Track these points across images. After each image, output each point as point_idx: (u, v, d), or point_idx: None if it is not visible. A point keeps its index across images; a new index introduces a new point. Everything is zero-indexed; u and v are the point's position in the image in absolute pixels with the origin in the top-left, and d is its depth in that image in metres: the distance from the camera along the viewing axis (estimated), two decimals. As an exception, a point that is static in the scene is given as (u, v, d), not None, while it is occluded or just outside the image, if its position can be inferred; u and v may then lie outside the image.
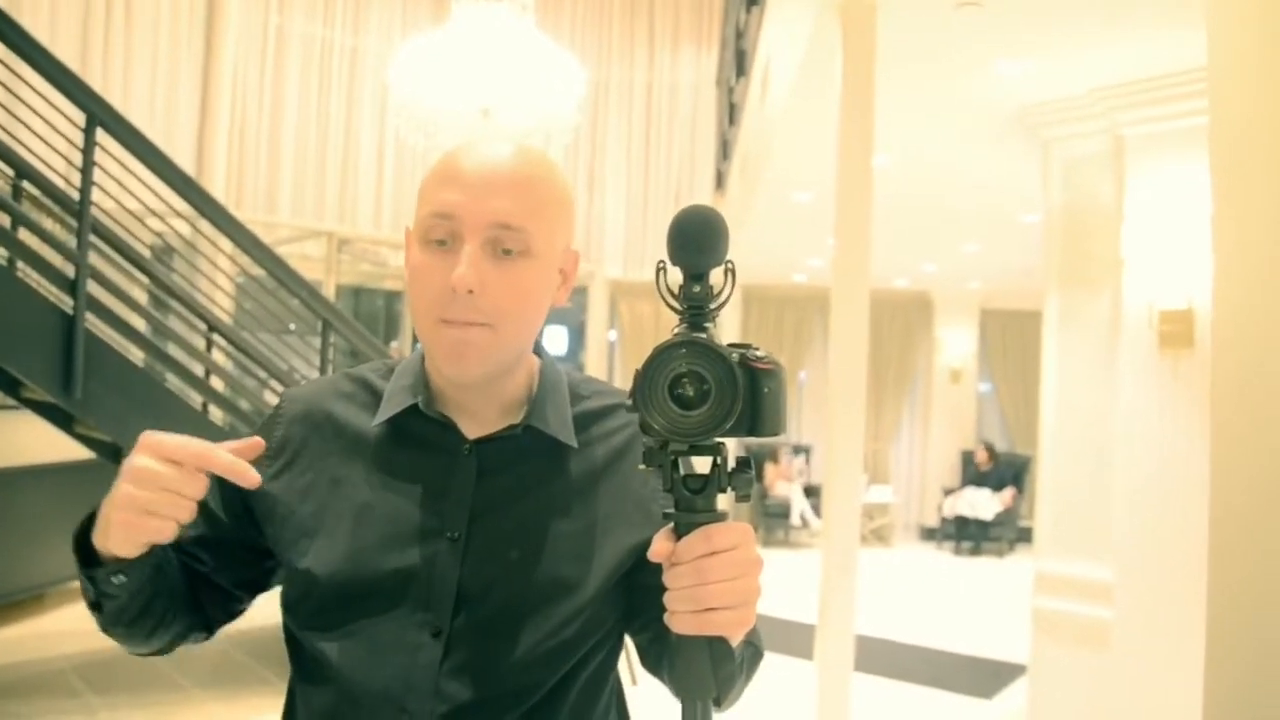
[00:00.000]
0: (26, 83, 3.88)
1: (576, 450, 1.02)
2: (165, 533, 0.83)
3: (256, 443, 0.87)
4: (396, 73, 5.95)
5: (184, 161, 6.50)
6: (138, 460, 0.83)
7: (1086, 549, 3.79)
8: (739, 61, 6.56)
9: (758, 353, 0.80)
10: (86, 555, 0.90)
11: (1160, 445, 3.52)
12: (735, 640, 0.82)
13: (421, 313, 0.94)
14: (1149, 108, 3.57)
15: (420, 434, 0.99)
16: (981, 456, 9.81)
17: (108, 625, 0.96)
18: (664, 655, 0.98)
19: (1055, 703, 3.85)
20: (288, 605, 0.98)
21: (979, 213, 6.30)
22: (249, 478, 0.84)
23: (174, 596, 0.98)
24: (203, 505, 0.93)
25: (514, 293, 0.93)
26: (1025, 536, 9.22)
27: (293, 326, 5.54)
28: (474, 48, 5.68)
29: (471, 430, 0.99)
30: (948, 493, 10.01)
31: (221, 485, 0.96)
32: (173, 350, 4.52)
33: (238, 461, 0.84)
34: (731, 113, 7.27)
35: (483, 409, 1.00)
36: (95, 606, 0.93)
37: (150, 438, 0.83)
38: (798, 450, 10.29)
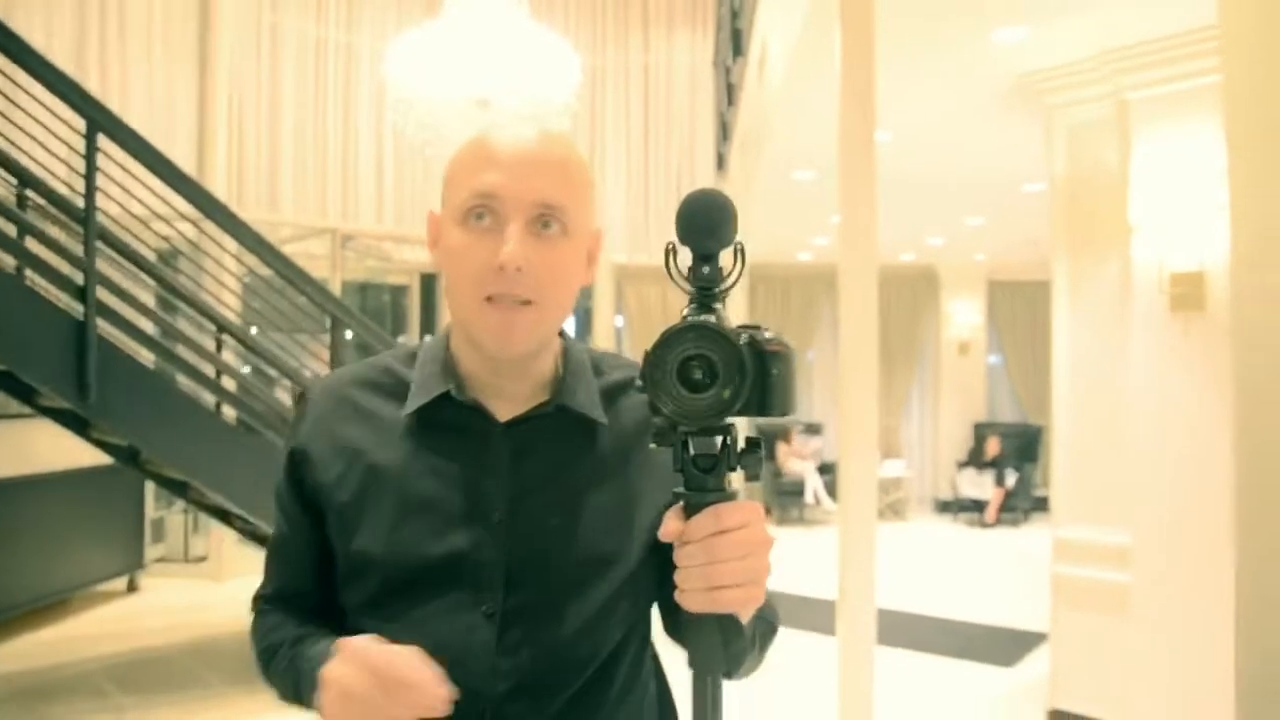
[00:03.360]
0: (25, 90, 3.88)
1: (605, 425, 1.03)
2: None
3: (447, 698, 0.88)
4: (392, 67, 5.94)
5: (184, 163, 6.48)
6: (339, 671, 0.88)
7: (1103, 514, 3.80)
8: (735, 41, 6.53)
9: (767, 334, 0.80)
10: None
11: (1174, 407, 3.52)
12: (746, 617, 0.83)
13: (465, 291, 0.95)
14: (1153, 70, 3.55)
15: (452, 420, 1.00)
16: (993, 447, 9.78)
17: None
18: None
19: (1077, 667, 3.87)
20: (340, 590, 1.01)
21: (982, 184, 6.28)
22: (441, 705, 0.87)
23: None
24: (296, 558, 1.03)
25: (554, 270, 0.95)
26: (1040, 506, 9.23)
27: (303, 327, 5.55)
28: (468, 38, 5.67)
29: (502, 412, 1.00)
30: (961, 466, 10.02)
31: (300, 498, 1.03)
32: (183, 352, 4.54)
33: (442, 695, 0.86)
34: (730, 93, 7.25)
35: (513, 390, 1.01)
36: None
37: (353, 650, 0.88)
38: (809, 429, 10.30)
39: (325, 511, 1.02)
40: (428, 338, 1.08)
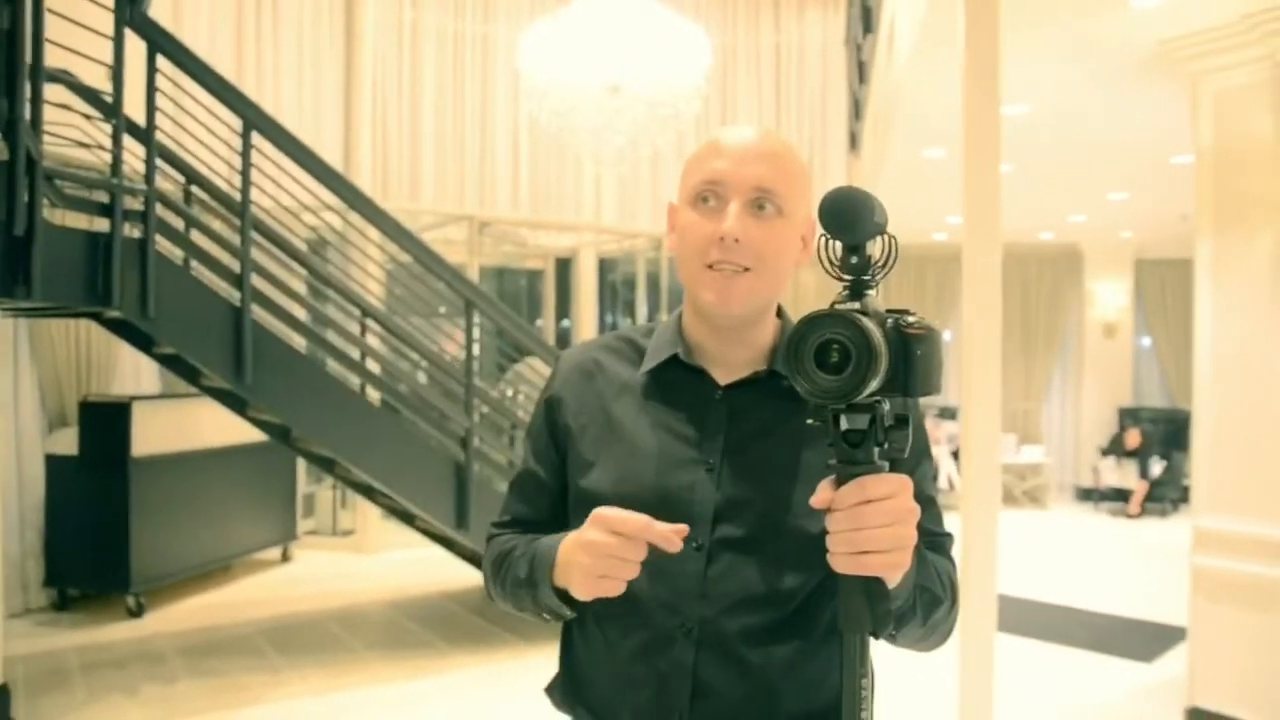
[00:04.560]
0: (189, 94, 4.19)
1: None
2: (616, 589, 1.01)
3: (681, 529, 1.01)
4: (526, 56, 6.09)
5: (332, 157, 6.85)
6: (589, 534, 1.01)
7: (1249, 505, 3.61)
8: (865, 18, 6.42)
9: (910, 318, 0.88)
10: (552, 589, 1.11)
11: (1328, 392, 3.31)
12: (893, 582, 0.91)
13: (690, 260, 1.10)
14: (1309, 31, 3.33)
15: (679, 381, 1.16)
16: (1133, 438, 9.32)
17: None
18: None
19: (1217, 664, 3.69)
20: (570, 521, 1.14)
21: (1126, 157, 5.99)
22: (675, 544, 1.00)
23: None
24: (536, 492, 1.22)
25: (769, 242, 1.08)
26: (1189, 497, 8.75)
27: (442, 310, 5.79)
28: (599, 24, 5.76)
29: (722, 377, 1.15)
30: (1105, 453, 9.60)
31: (552, 436, 1.21)
32: (330, 336, 4.82)
33: (670, 533, 0.99)
34: (861, 71, 7.12)
35: (733, 357, 1.15)
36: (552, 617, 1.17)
37: (600, 514, 1.01)
38: (944, 413, 10.05)
39: (568, 451, 1.19)
40: (673, 313, 1.24)
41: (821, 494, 0.88)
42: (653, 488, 1.11)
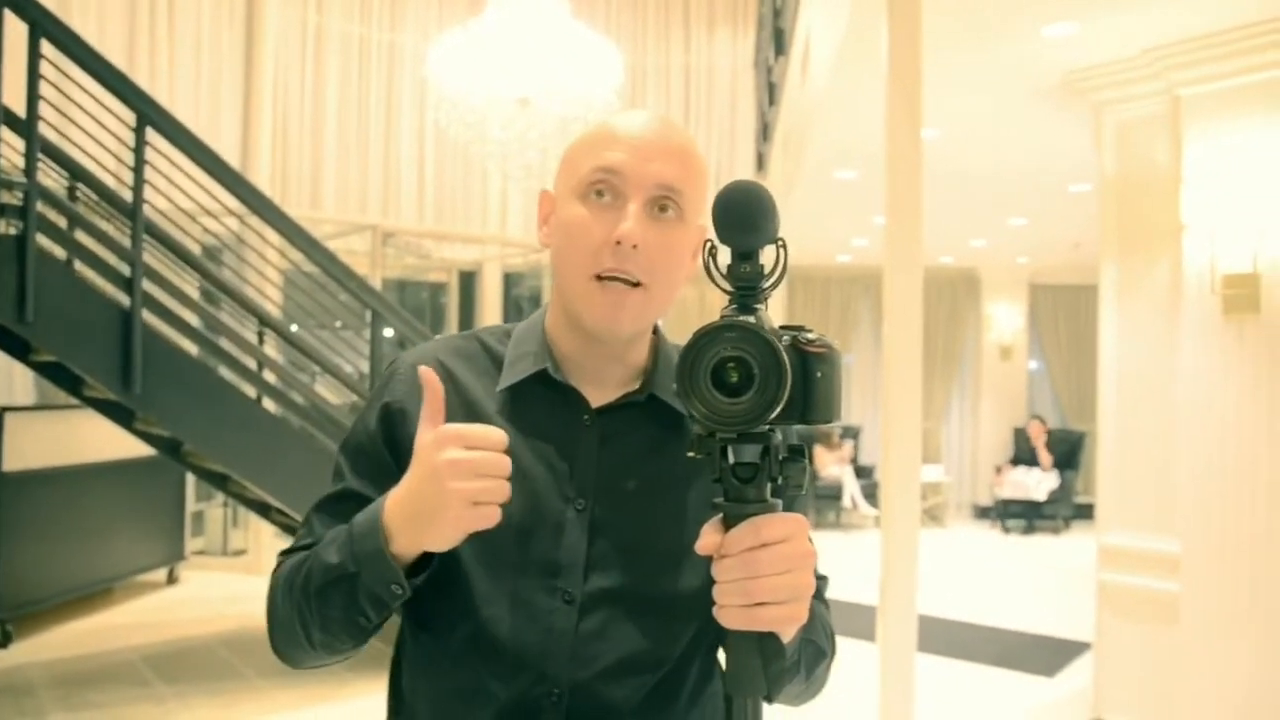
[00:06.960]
0: (79, 85, 3.94)
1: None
2: (494, 518, 0.82)
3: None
4: (434, 66, 5.96)
5: (229, 159, 6.57)
6: (447, 454, 0.80)
7: (1151, 521, 3.72)
8: (777, 41, 6.49)
9: (809, 335, 0.77)
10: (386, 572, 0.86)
11: (1225, 412, 3.43)
12: (787, 636, 0.79)
13: (576, 267, 0.93)
14: (1206, 66, 3.47)
15: (543, 400, 0.99)
16: (1036, 429, 9.65)
17: (359, 645, 0.96)
18: None
19: (1121, 678, 3.79)
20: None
21: (1027, 185, 6.19)
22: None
23: None
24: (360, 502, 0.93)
25: (667, 252, 0.94)
26: (1081, 513, 9.09)
27: (339, 324, 5.58)
28: (510, 38, 5.68)
29: (594, 398, 0.99)
30: (1014, 462, 9.92)
31: (392, 452, 0.97)
32: (225, 345, 4.58)
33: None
34: (771, 93, 7.20)
35: (608, 375, 1.00)
36: (365, 632, 0.92)
37: (450, 430, 0.81)
38: (846, 432, 10.22)
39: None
40: (535, 312, 1.06)
41: (707, 538, 0.75)
42: (512, 528, 0.91)
